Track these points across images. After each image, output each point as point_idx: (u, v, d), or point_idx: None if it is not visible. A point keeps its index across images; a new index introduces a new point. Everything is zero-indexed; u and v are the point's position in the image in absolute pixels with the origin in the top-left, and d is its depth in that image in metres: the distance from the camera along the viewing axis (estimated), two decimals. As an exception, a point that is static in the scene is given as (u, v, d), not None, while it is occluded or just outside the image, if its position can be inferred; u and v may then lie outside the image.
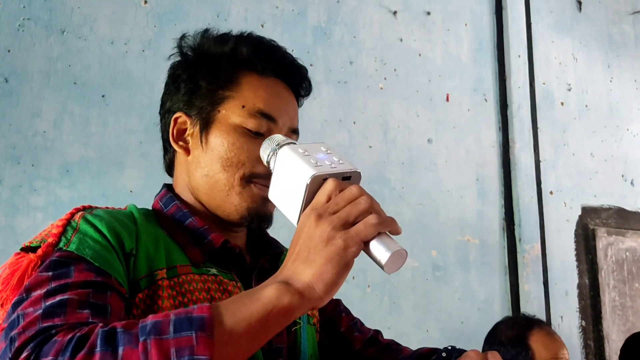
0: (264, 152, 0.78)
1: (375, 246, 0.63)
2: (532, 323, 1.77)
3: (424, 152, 2.38)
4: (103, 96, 1.77)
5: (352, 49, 2.30)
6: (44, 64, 1.70)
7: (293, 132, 0.90)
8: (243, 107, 0.85)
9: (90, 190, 1.69)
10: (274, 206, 0.84)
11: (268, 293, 0.60)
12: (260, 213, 0.85)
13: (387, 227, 0.64)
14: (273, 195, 0.74)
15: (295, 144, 0.75)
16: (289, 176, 0.70)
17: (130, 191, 1.75)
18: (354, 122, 2.24)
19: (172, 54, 0.93)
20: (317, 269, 0.61)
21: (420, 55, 2.47)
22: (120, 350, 0.55)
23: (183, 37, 0.92)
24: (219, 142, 0.85)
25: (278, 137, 0.78)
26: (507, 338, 1.73)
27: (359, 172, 0.70)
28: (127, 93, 1.80)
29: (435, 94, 2.47)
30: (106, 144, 1.74)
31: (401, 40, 2.43)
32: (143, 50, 1.86)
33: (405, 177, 2.31)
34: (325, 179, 0.67)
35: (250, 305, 0.59)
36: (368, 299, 2.09)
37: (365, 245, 0.63)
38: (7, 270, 0.70)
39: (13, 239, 1.58)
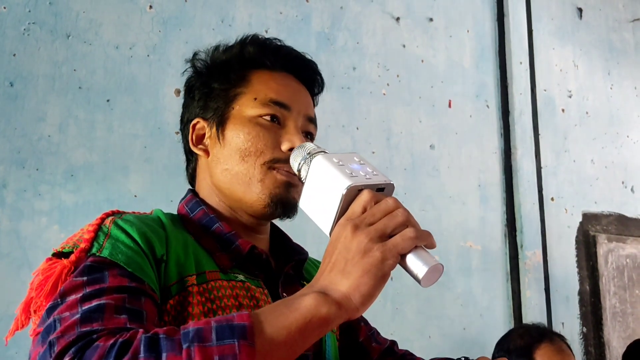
0: (295, 160, 0.78)
1: (411, 260, 0.63)
2: (543, 336, 1.73)
3: (426, 158, 2.39)
4: (108, 101, 1.77)
5: (356, 54, 2.30)
6: (49, 68, 1.70)
7: (310, 121, 0.91)
8: (255, 99, 0.87)
9: (95, 195, 1.69)
10: (297, 193, 0.84)
11: (306, 303, 0.60)
12: (284, 199, 0.85)
13: (424, 240, 0.64)
14: (304, 203, 0.73)
15: (327, 152, 0.74)
16: (323, 186, 0.69)
17: (135, 196, 1.74)
18: (357, 128, 2.24)
19: (186, 70, 0.96)
20: (355, 280, 0.61)
21: (422, 61, 2.47)
22: (164, 356, 0.55)
23: (195, 54, 0.95)
24: (234, 134, 0.86)
25: (309, 146, 0.77)
26: (514, 347, 1.72)
27: (393, 184, 0.70)
28: (132, 98, 1.80)
29: (438, 100, 2.48)
30: (111, 149, 1.74)
31: (404, 46, 2.44)
32: (148, 55, 1.86)
33: (408, 183, 2.31)
34: (360, 190, 0.67)
35: (289, 315, 0.59)
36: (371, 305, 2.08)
37: (401, 258, 0.63)
38: (40, 276, 0.70)
39: (17, 243, 1.57)
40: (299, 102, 0.89)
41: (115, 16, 1.83)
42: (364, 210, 0.65)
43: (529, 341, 1.71)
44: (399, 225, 0.63)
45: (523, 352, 1.69)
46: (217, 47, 0.94)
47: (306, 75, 0.94)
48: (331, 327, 0.61)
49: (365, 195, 0.66)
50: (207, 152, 0.89)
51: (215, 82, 0.90)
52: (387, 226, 0.63)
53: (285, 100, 0.87)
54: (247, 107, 0.87)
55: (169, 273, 0.75)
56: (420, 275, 0.62)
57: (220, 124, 0.88)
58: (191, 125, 0.91)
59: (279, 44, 0.92)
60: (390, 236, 0.63)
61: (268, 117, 0.86)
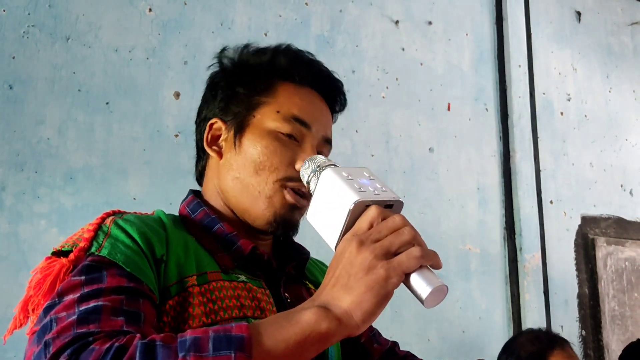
0: (305, 172, 0.78)
1: (416, 279, 0.62)
2: (554, 342, 1.73)
3: (425, 161, 2.39)
4: (107, 103, 1.77)
5: (355, 58, 2.31)
6: (48, 71, 1.70)
7: (326, 142, 0.91)
8: (278, 112, 0.86)
9: (94, 198, 1.69)
10: (301, 215, 0.85)
11: (306, 317, 0.60)
12: (287, 220, 0.85)
13: (430, 260, 0.63)
14: (312, 216, 0.72)
15: (337, 166, 0.74)
16: (331, 199, 0.69)
17: (134, 198, 1.74)
18: (356, 131, 2.24)
19: (211, 65, 0.94)
20: (357, 297, 0.60)
21: (421, 64, 2.48)
22: None
23: (223, 50, 0.93)
24: (252, 145, 0.85)
25: (320, 158, 0.78)
26: (526, 353, 1.71)
27: (402, 202, 0.69)
28: (131, 100, 1.81)
29: (437, 103, 2.48)
30: (110, 151, 1.74)
31: (403, 49, 2.44)
32: (147, 58, 1.86)
33: (407, 186, 2.31)
34: (368, 206, 0.66)
35: (288, 328, 0.59)
36: (370, 308, 2.08)
37: (405, 277, 0.62)
38: (38, 274, 0.70)
39: (16, 246, 1.57)
40: (319, 122, 0.89)
41: (114, 19, 1.83)
42: (371, 226, 0.64)
43: (540, 347, 1.71)
44: (405, 243, 0.62)
45: (536, 359, 1.69)
46: (246, 47, 0.92)
47: (331, 93, 0.94)
48: (331, 342, 0.61)
49: (372, 211, 0.65)
50: (220, 154, 0.89)
51: (240, 85, 0.89)
52: (392, 244, 0.62)
53: (307, 118, 0.87)
54: (269, 118, 0.86)
55: (168, 273, 0.74)
56: (424, 295, 0.61)
57: (239, 130, 0.87)
58: (208, 124, 0.90)
59: (311, 58, 0.92)
60: (396, 254, 0.62)
61: (287, 134, 0.85)
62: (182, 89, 1.88)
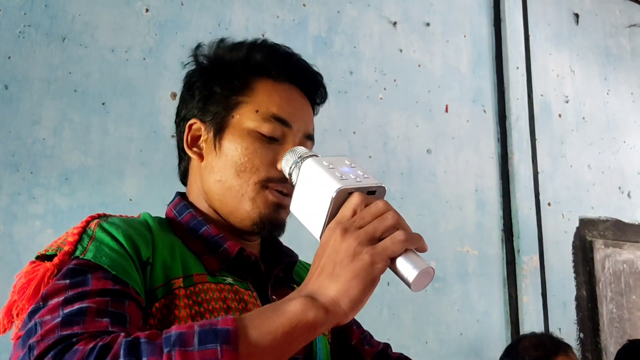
0: (286, 164, 0.77)
1: (402, 263, 0.61)
2: (558, 347, 1.75)
3: (423, 163, 2.38)
4: (103, 104, 1.76)
5: (352, 59, 2.30)
6: (44, 71, 1.69)
7: (308, 138, 0.89)
8: (257, 111, 0.85)
9: (90, 198, 1.68)
10: (287, 214, 0.84)
11: (293, 307, 0.59)
12: (273, 220, 0.84)
13: (415, 244, 0.63)
14: (295, 207, 0.72)
15: (318, 156, 0.74)
16: (313, 189, 0.69)
17: (130, 199, 1.73)
18: (354, 132, 2.23)
19: (187, 63, 0.93)
20: (343, 284, 0.60)
21: (419, 66, 2.47)
22: None
23: (198, 46, 0.92)
24: (232, 147, 0.84)
25: (300, 150, 0.77)
26: (530, 358, 1.72)
27: (384, 187, 0.69)
28: (127, 101, 1.79)
29: (435, 105, 2.47)
30: (106, 152, 1.73)
31: (401, 51, 2.44)
32: (144, 59, 1.85)
33: (405, 188, 2.31)
34: (350, 193, 0.66)
35: (275, 319, 0.58)
36: (367, 310, 2.06)
37: (391, 262, 0.62)
38: (22, 279, 0.69)
39: (11, 247, 1.56)
40: (300, 119, 0.87)
41: (111, 19, 1.82)
42: (354, 214, 0.64)
43: (544, 352, 1.72)
44: (389, 228, 0.62)
45: None
46: (221, 41, 0.91)
47: (310, 87, 0.92)
48: (318, 332, 0.60)
49: (355, 198, 0.65)
50: (201, 156, 0.88)
51: (217, 84, 0.88)
52: (376, 229, 0.62)
53: (286, 116, 0.85)
54: (248, 118, 0.85)
55: (154, 276, 0.74)
56: (411, 279, 0.61)
57: (219, 131, 0.86)
58: (187, 125, 0.89)
59: (288, 51, 0.91)
60: (381, 239, 0.62)
61: (268, 134, 0.84)
62: (179, 90, 1.86)
